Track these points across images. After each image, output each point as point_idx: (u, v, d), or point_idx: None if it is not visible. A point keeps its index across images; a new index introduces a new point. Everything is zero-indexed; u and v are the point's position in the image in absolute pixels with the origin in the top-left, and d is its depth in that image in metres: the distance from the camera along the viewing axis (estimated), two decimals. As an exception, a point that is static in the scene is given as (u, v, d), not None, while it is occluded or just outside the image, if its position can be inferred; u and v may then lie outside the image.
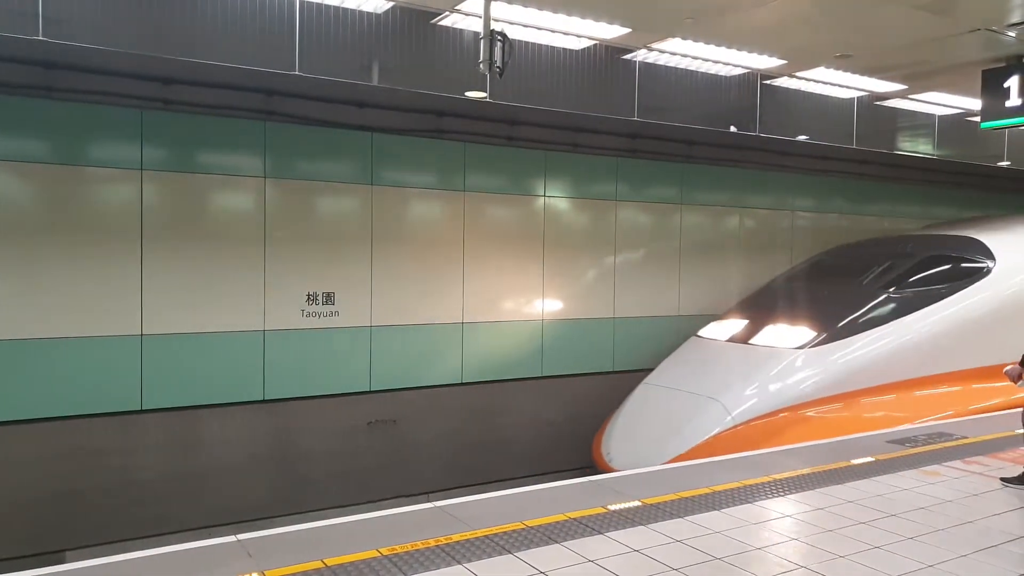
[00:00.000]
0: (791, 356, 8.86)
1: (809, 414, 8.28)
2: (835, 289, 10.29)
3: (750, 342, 9.40)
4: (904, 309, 9.31)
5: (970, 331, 9.36)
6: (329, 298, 9.94)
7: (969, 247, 10.37)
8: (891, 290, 9.74)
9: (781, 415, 8.18)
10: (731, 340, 9.61)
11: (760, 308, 10.40)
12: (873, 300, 9.60)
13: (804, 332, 9.13)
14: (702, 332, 10.27)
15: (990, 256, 9.98)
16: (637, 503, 5.19)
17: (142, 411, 8.90)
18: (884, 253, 10.91)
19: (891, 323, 9.14)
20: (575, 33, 8.62)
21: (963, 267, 10.02)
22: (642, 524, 4.81)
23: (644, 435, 8.64)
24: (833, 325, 9.14)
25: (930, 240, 11.34)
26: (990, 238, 10.50)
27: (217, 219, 9.35)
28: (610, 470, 7.70)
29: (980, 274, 9.75)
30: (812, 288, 10.61)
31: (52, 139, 8.49)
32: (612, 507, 5.10)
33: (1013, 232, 11.32)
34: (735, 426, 7.98)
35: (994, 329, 9.46)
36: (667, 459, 7.63)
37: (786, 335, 9.24)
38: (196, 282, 9.13)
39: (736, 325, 10.03)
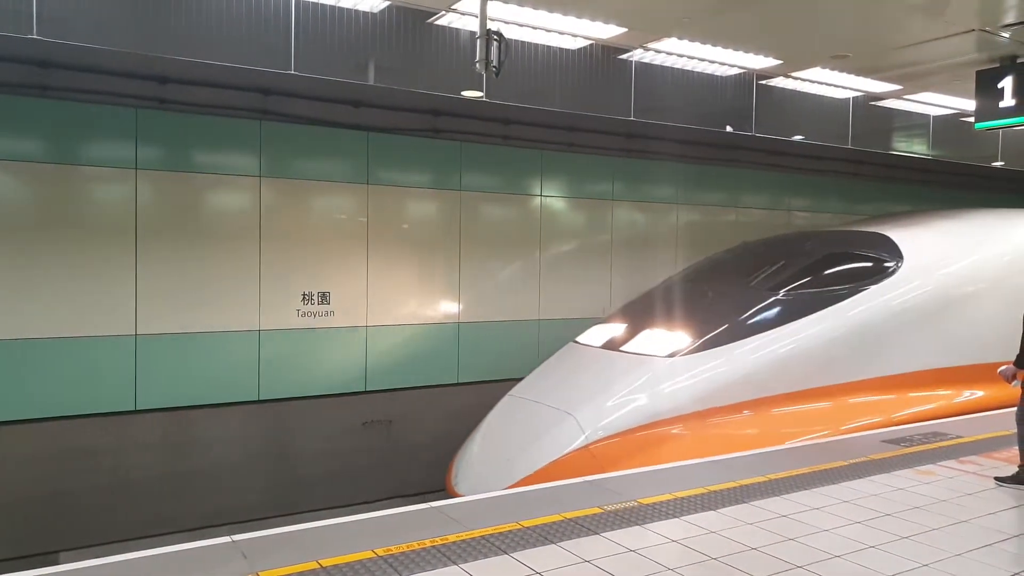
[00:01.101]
0: (659, 365, 7.76)
1: (674, 431, 7.25)
2: (721, 290, 9.22)
3: (622, 349, 8.24)
4: (793, 313, 8.21)
5: (871, 337, 8.32)
6: (324, 298, 9.93)
7: (876, 244, 9.33)
8: (780, 292, 8.60)
9: (643, 432, 7.13)
10: (605, 346, 8.48)
11: (644, 310, 9.31)
12: (759, 303, 8.49)
13: (678, 338, 8.07)
14: (581, 337, 9.04)
15: (898, 254, 8.96)
16: (633, 503, 5.19)
17: (136, 411, 8.88)
18: (781, 251, 9.80)
19: (776, 329, 8.03)
20: (571, 33, 8.62)
21: (866, 266, 8.99)
22: (638, 524, 4.81)
23: (493, 454, 7.65)
24: (709, 330, 8.06)
25: (834, 237, 10.34)
26: (900, 235, 9.48)
27: (212, 218, 9.33)
28: (457, 495, 6.83)
29: (885, 274, 8.69)
30: (699, 289, 9.51)
31: (46, 138, 8.46)
32: (608, 507, 5.10)
33: (929, 228, 10.33)
34: (589, 444, 6.95)
35: (898, 335, 8.46)
36: (510, 483, 6.65)
37: (660, 341, 8.16)
38: (191, 282, 9.11)
39: (616, 329, 8.87)
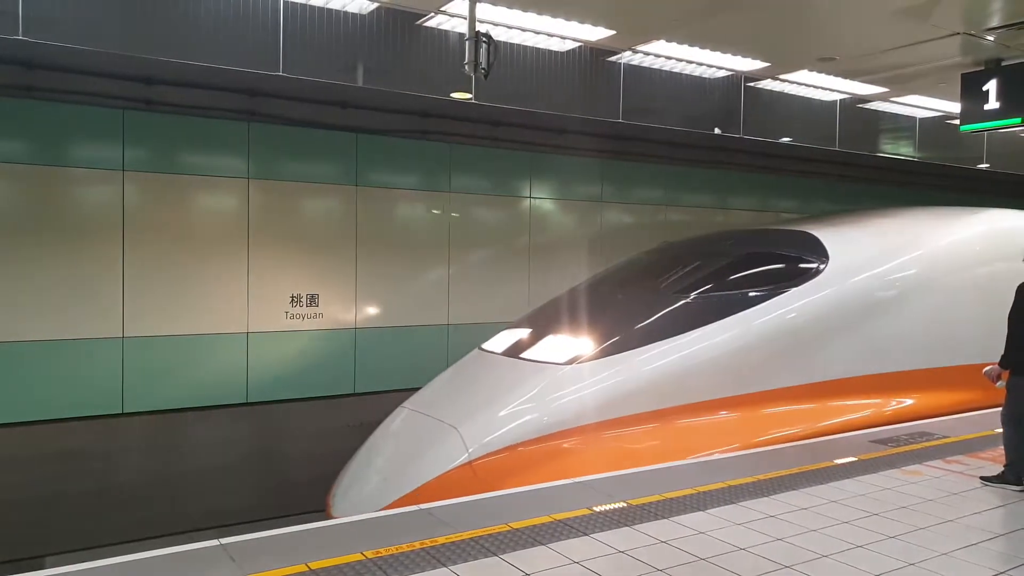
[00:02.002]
0: (556, 373, 7.13)
1: (566, 445, 6.65)
2: (630, 294, 8.70)
3: (521, 356, 7.63)
4: (703, 317, 7.61)
5: (790, 343, 7.76)
6: (313, 300, 9.90)
7: (800, 244, 8.72)
8: (692, 295, 8.00)
9: (534, 446, 6.55)
10: (506, 353, 7.83)
11: (552, 315, 8.72)
12: (667, 306, 7.91)
13: (580, 344, 7.48)
14: (487, 343, 8.32)
15: (823, 254, 8.33)
16: (622, 504, 5.20)
17: (123, 414, 8.83)
18: (699, 252, 9.23)
19: (683, 335, 7.41)
20: (560, 35, 8.63)
21: (788, 267, 8.39)
22: (627, 525, 4.82)
23: (373, 471, 7.05)
24: (612, 336, 7.49)
25: (758, 236, 9.79)
26: (828, 234, 8.85)
27: (200, 220, 9.29)
28: (332, 517, 6.33)
29: (807, 275, 8.06)
30: (610, 292, 8.96)
31: (32, 139, 8.41)
32: (597, 508, 5.11)
33: (861, 227, 9.68)
34: (472, 461, 6.35)
35: (821, 341, 7.88)
36: (384, 504, 6.10)
37: (561, 348, 7.58)
38: (178, 284, 9.07)
39: (521, 334, 8.25)
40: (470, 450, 6.38)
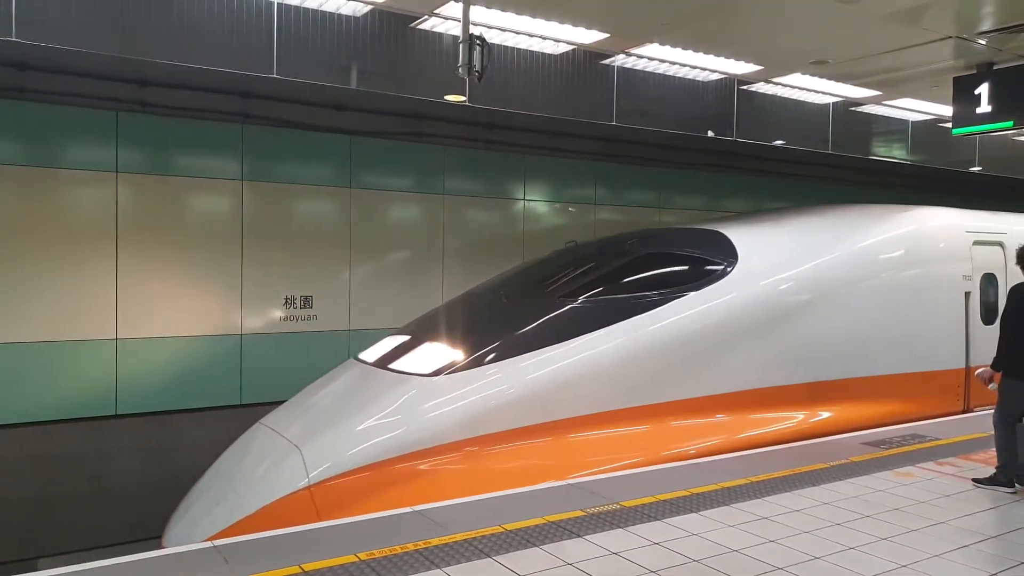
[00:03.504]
0: (419, 386, 6.44)
1: (423, 467, 5.91)
2: (515, 298, 7.97)
3: (389, 366, 6.91)
4: (589, 323, 6.90)
5: (686, 352, 7.04)
6: (307, 302, 9.89)
7: (708, 243, 8.03)
8: (579, 299, 7.26)
9: (387, 468, 5.82)
10: (376, 363, 7.10)
11: (434, 321, 8.04)
12: (550, 312, 7.18)
13: (450, 353, 6.77)
14: (364, 352, 7.59)
15: (732, 254, 7.67)
16: (615, 506, 5.21)
17: (117, 416, 8.80)
18: (599, 252, 8.45)
19: (564, 343, 6.68)
20: (554, 38, 8.65)
21: (690, 269, 7.69)
22: (620, 527, 4.83)
23: (210, 496, 6.29)
24: (487, 344, 6.78)
25: (665, 235, 9.05)
26: (740, 233, 8.17)
27: (194, 222, 9.27)
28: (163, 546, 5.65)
29: (711, 277, 7.39)
30: (497, 297, 8.18)
31: (26, 141, 8.39)
32: (590, 510, 5.11)
33: (779, 226, 8.96)
34: (312, 485, 5.66)
35: (723, 349, 7.18)
36: (210, 534, 5.45)
37: (431, 357, 6.84)
38: (172, 285, 9.05)
39: (399, 342, 7.49)
40: (311, 474, 5.69)
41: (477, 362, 6.51)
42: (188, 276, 9.15)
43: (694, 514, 5.10)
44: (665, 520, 4.97)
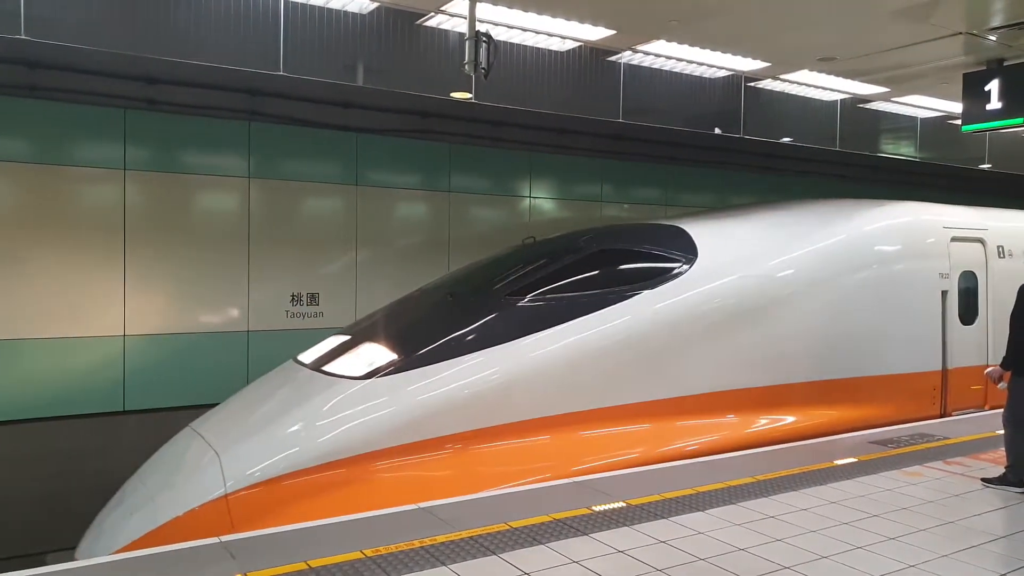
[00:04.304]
0: (347, 390, 6.11)
1: (348, 476, 5.64)
2: (459, 297, 7.54)
3: (323, 368, 6.59)
4: (533, 324, 6.54)
5: (637, 353, 6.67)
6: (313, 299, 9.91)
7: (667, 240, 7.65)
8: (526, 298, 6.85)
9: (304, 478, 5.51)
10: (313, 364, 6.78)
11: (380, 319, 7.72)
12: (493, 312, 6.84)
13: (386, 354, 6.45)
14: (304, 353, 7.26)
15: (691, 251, 7.30)
16: (622, 504, 5.20)
17: (125, 412, 8.84)
18: (552, 249, 7.96)
19: (504, 345, 6.33)
20: (560, 35, 8.63)
21: (647, 267, 7.31)
22: (626, 525, 4.82)
23: (127, 506, 5.95)
24: (422, 345, 6.43)
25: (623, 231, 8.64)
26: (701, 228, 7.81)
27: (201, 219, 9.30)
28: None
29: (667, 276, 7.03)
30: (442, 296, 7.79)
31: (34, 138, 8.42)
32: (597, 508, 5.11)
33: (744, 221, 8.56)
34: (229, 494, 5.34)
35: (675, 351, 6.81)
36: (119, 546, 5.22)
37: (365, 359, 6.51)
38: (179, 282, 9.09)
39: (339, 342, 7.15)
40: (228, 483, 5.39)
41: (412, 364, 6.17)
42: (195, 273, 9.17)
43: (700, 512, 5.09)
44: (671, 518, 4.96)
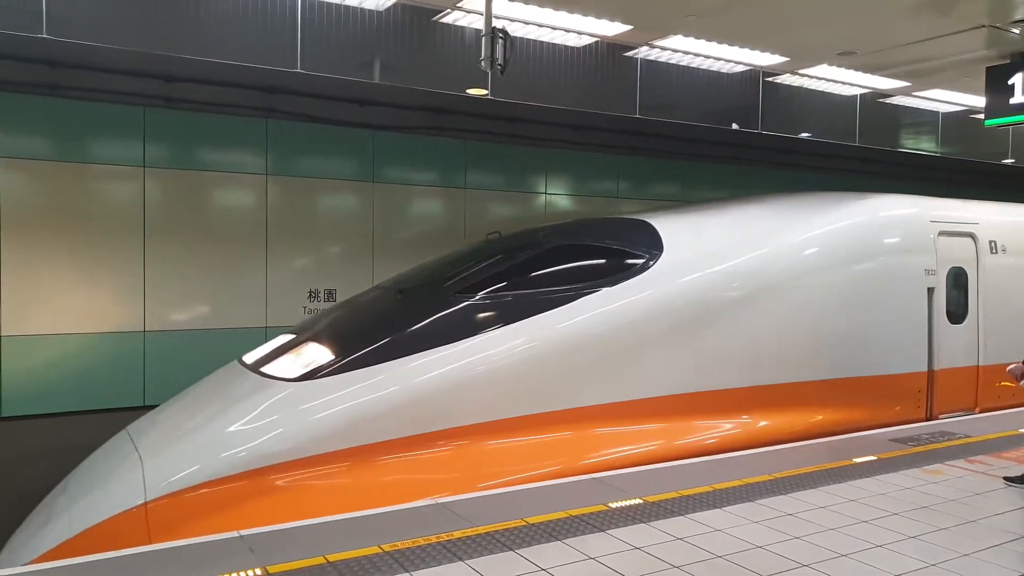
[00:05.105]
0: (277, 393, 5.81)
1: (280, 483, 5.32)
2: (408, 294, 7.15)
3: (262, 369, 6.28)
4: (482, 323, 6.23)
5: (593, 353, 6.31)
6: (331, 295, 9.95)
7: (631, 234, 7.31)
8: (476, 295, 6.50)
9: (229, 486, 5.22)
10: (254, 365, 6.45)
11: (328, 318, 7.46)
12: (443, 309, 6.48)
13: (326, 355, 6.12)
14: (249, 353, 6.93)
15: (656, 246, 6.92)
16: (638, 500, 5.19)
17: (145, 407, 8.92)
18: (513, 244, 7.62)
19: (453, 344, 6.00)
20: (577, 30, 8.61)
21: (609, 263, 6.95)
22: (643, 522, 4.81)
23: (50, 512, 5.69)
24: (366, 345, 6.10)
25: (588, 226, 8.31)
26: (668, 223, 7.42)
27: (219, 216, 9.37)
28: None
29: (630, 271, 6.66)
30: (391, 292, 7.44)
31: (55, 136, 8.51)
32: (613, 504, 5.10)
33: (714, 216, 8.17)
34: (149, 502, 5.07)
35: (638, 350, 6.45)
36: (31, 559, 4.96)
37: (304, 359, 6.19)
38: (198, 278, 9.16)
39: (284, 341, 6.85)
40: (148, 491, 5.12)
41: (351, 365, 5.85)
42: (214, 269, 9.24)
43: (717, 510, 5.06)
44: (688, 515, 4.94)
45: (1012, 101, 9.21)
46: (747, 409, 6.87)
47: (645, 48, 9.28)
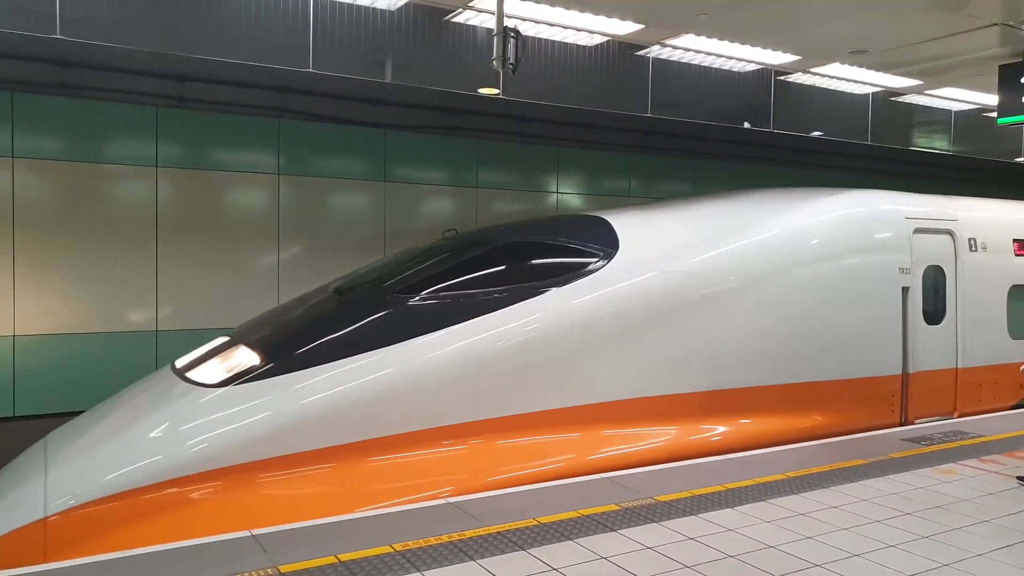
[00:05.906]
0: (197, 399, 5.54)
1: (194, 496, 5.06)
2: (344, 295, 6.82)
3: (187, 374, 5.95)
4: (420, 326, 5.90)
5: (537, 358, 6.01)
6: (342, 294, 9.97)
7: (585, 232, 7.03)
8: (415, 296, 6.23)
9: (141, 498, 4.94)
10: (180, 370, 6.11)
11: (257, 321, 7.17)
12: (378, 311, 6.20)
13: (251, 359, 5.82)
14: (182, 356, 6.53)
15: (612, 244, 6.64)
16: (650, 500, 5.18)
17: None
18: (460, 243, 7.33)
19: (384, 348, 5.70)
20: (588, 29, 8.61)
21: (560, 261, 6.65)
22: (655, 521, 4.81)
23: None
24: (294, 349, 5.91)
25: (536, 224, 8.01)
26: (626, 220, 7.15)
27: (232, 215, 9.41)
28: None
29: (582, 271, 6.37)
30: (328, 292, 7.07)
31: (69, 136, 8.57)
32: (625, 504, 5.09)
33: (675, 213, 7.91)
34: (49, 518, 4.78)
35: (588, 353, 6.14)
36: None
37: (229, 364, 5.90)
38: (211, 278, 9.20)
39: (216, 345, 6.50)
40: (49, 505, 4.83)
41: (275, 371, 5.58)
42: (227, 268, 9.29)
43: (729, 509, 5.06)
44: (700, 515, 4.94)
45: (1025, 99, 9.16)
46: (710, 415, 6.59)
47: (657, 47, 9.27)
